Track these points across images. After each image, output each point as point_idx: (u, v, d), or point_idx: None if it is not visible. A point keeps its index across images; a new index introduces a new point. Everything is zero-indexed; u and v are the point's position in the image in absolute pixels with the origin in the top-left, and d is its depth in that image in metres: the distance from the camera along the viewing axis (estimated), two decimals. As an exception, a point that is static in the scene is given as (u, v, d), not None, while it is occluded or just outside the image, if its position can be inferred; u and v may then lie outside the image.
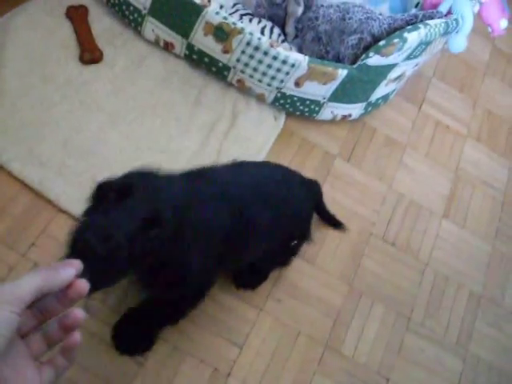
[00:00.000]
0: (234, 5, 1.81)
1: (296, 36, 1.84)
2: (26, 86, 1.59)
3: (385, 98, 1.90)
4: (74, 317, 0.65)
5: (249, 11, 1.81)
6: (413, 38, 1.60)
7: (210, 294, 1.26)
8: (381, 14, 1.76)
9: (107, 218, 0.82)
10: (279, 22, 1.84)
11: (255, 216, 1.16)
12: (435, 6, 1.82)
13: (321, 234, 1.64)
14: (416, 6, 2.06)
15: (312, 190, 1.46)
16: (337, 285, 1.58)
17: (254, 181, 1.25)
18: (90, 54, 1.69)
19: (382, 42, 1.63)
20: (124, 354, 1.29)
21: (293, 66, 1.60)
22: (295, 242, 1.40)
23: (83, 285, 0.65)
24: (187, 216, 0.95)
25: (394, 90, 1.93)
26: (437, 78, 2.20)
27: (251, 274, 1.46)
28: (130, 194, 0.87)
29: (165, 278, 1.01)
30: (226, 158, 1.62)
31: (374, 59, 1.63)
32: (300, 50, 1.82)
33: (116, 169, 1.50)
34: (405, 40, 1.60)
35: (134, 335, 1.30)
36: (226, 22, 1.58)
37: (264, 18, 1.82)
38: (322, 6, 1.80)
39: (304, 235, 1.41)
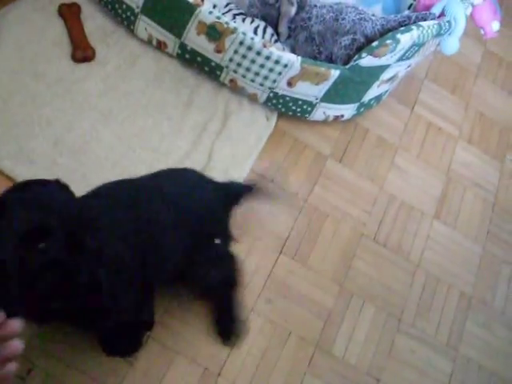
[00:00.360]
0: (227, 4, 1.81)
1: (289, 36, 1.84)
2: (17, 83, 1.58)
3: (377, 98, 1.90)
4: (13, 348, 0.65)
5: (242, 11, 1.81)
6: (406, 39, 1.61)
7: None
8: (374, 15, 1.77)
9: None
10: (272, 21, 1.84)
11: (157, 217, 1.13)
12: (428, 8, 1.82)
13: (313, 234, 1.64)
14: (409, 7, 2.06)
15: (228, 192, 1.40)
16: (328, 285, 1.58)
17: (157, 183, 1.23)
18: (82, 52, 1.69)
19: (374, 43, 1.63)
20: (112, 356, 1.28)
21: (285, 66, 1.60)
22: (218, 240, 1.35)
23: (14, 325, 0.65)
24: (84, 227, 0.86)
25: (387, 91, 1.93)
26: (429, 79, 2.20)
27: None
28: (4, 209, 0.77)
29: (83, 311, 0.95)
30: (218, 158, 1.63)
31: (366, 60, 1.63)
32: (293, 51, 1.82)
33: (107, 168, 1.52)
34: (398, 41, 1.60)
35: (121, 337, 1.28)
36: (219, 21, 1.58)
37: (257, 17, 1.82)
38: (315, 6, 1.80)
39: (223, 234, 1.37)
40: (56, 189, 0.91)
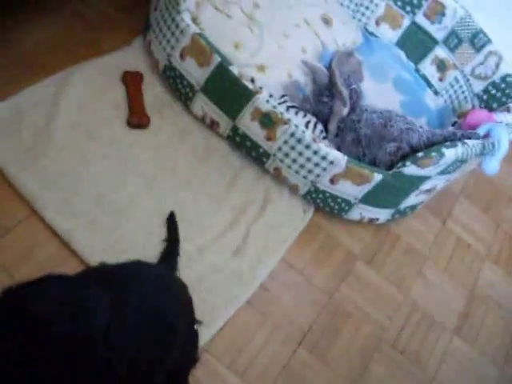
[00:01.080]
0: (282, 96, 1.87)
1: (336, 135, 1.90)
2: (72, 138, 1.63)
3: (413, 207, 1.93)
4: None
5: (295, 104, 1.87)
6: (450, 154, 1.65)
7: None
8: (421, 127, 1.82)
9: None
10: (323, 119, 1.89)
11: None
12: (473, 128, 1.88)
13: (333, 331, 1.63)
14: (453, 124, 2.12)
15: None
16: (342, 385, 1.57)
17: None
18: (137, 118, 1.75)
19: (420, 154, 1.68)
20: None
21: (331, 163, 1.64)
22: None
23: None
24: None
25: (423, 202, 1.96)
26: (464, 196, 2.24)
27: None
28: None
29: None
30: (252, 242, 1.65)
31: (410, 168, 1.67)
32: (338, 149, 1.87)
33: (143, 234, 1.54)
34: (442, 155, 1.64)
35: None
36: (275, 110, 1.64)
37: (309, 112, 1.88)
38: (366, 110, 1.86)
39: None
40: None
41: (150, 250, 1.49)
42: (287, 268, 1.70)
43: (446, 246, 2.04)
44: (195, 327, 1.30)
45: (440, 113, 2.35)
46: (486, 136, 1.82)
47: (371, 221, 1.88)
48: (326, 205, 1.81)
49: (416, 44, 2.46)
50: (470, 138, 1.76)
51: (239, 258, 1.60)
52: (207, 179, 1.75)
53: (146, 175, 1.67)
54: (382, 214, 1.86)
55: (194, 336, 1.30)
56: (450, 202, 2.19)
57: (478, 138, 1.78)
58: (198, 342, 1.31)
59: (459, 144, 1.68)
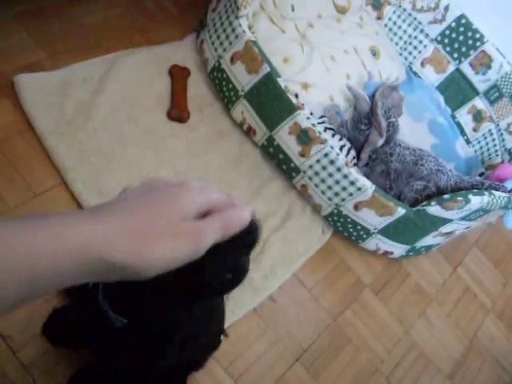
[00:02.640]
0: (321, 117, 1.90)
1: (367, 164, 1.92)
2: (112, 119, 1.66)
3: (428, 248, 1.95)
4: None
5: (333, 127, 1.90)
6: (476, 201, 1.66)
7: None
8: (451, 171, 1.85)
9: None
10: (357, 146, 1.92)
11: None
12: (501, 181, 1.90)
13: (331, 354, 1.65)
14: (480, 175, 2.15)
15: None
16: (331, 409, 1.58)
17: None
18: (178, 112, 1.77)
19: (446, 196, 1.69)
20: None
21: (359, 189, 1.67)
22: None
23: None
24: None
25: (439, 244, 1.98)
26: (478, 246, 2.26)
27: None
28: None
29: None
30: (268, 253, 1.67)
31: (434, 208, 1.69)
32: (366, 178, 1.89)
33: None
34: (468, 201, 1.65)
35: None
36: (314, 129, 1.66)
37: (345, 137, 1.91)
38: (400, 145, 1.89)
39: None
40: None
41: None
42: (297, 284, 1.71)
43: (453, 291, 2.05)
44: (221, 337, 1.32)
45: (468, 162, 2.37)
46: (513, 191, 1.85)
47: (385, 253, 1.89)
48: (345, 229, 1.83)
49: (456, 91, 2.49)
50: (497, 190, 1.78)
51: (254, 266, 1.62)
52: (235, 183, 1.77)
53: (177, 168, 1.69)
54: (398, 249, 1.87)
55: (215, 342, 1.31)
56: (464, 250, 2.21)
57: (504, 191, 1.80)
58: (214, 351, 1.33)
59: (486, 193, 1.70)
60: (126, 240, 0.51)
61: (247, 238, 0.67)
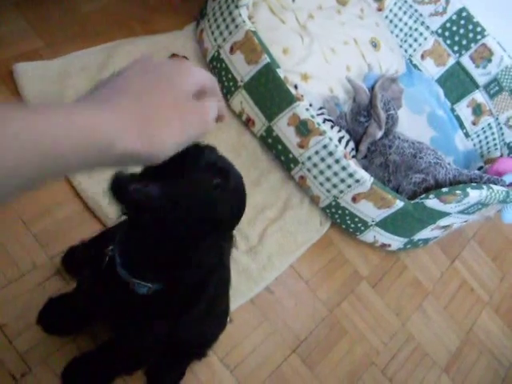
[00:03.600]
0: (320, 108, 1.90)
1: (365, 156, 1.92)
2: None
3: (425, 241, 1.95)
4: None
5: (332, 119, 1.89)
6: (474, 195, 1.66)
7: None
8: (449, 164, 1.84)
9: None
10: (355, 138, 1.92)
11: None
12: (500, 175, 1.90)
13: (328, 345, 1.65)
14: (479, 169, 2.14)
15: None
16: (327, 400, 1.58)
17: None
18: (176, 102, 1.76)
19: (444, 189, 1.69)
20: None
21: (357, 181, 1.66)
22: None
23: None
24: None
25: (436, 238, 1.97)
26: (475, 240, 2.26)
27: (167, 372, 1.36)
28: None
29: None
30: (266, 242, 1.66)
31: (432, 201, 1.68)
32: (364, 170, 1.89)
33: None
34: (466, 194, 1.65)
35: (83, 380, 1.24)
36: (312, 120, 1.66)
37: (344, 129, 1.90)
38: (399, 138, 1.88)
39: None
40: None
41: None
42: (295, 275, 1.71)
43: (450, 285, 2.06)
44: (228, 319, 1.32)
45: (467, 156, 2.37)
46: (511, 185, 1.84)
47: (383, 246, 1.89)
48: (343, 221, 1.82)
49: (456, 84, 2.49)
50: (495, 184, 1.78)
51: (251, 257, 1.62)
52: (233, 173, 1.76)
53: (175, 158, 1.68)
54: (395, 242, 1.87)
55: (223, 323, 1.31)
56: (461, 244, 2.21)
57: (503, 185, 1.80)
58: (217, 337, 1.33)
59: (485, 187, 1.69)
60: (137, 128, 0.51)
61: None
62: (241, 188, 0.83)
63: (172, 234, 0.78)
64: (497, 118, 2.39)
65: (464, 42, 2.41)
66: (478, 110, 2.46)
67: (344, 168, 1.66)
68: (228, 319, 1.32)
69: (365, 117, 1.89)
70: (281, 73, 1.69)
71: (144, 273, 0.87)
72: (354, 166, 1.66)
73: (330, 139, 1.65)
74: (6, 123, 0.42)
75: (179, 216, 0.75)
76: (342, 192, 1.72)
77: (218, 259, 0.88)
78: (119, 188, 0.72)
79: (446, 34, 2.45)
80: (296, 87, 1.75)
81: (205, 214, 0.77)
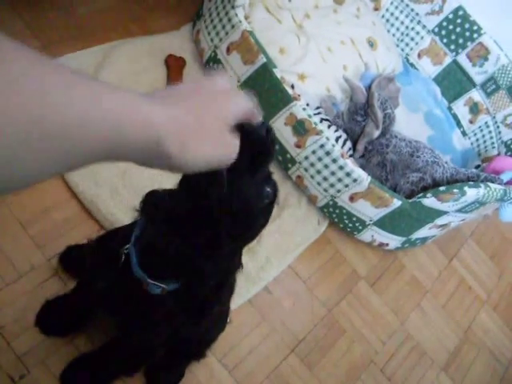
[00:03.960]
0: (317, 108, 1.89)
1: (362, 155, 1.92)
2: (107, 110, 1.65)
3: (423, 240, 1.95)
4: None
5: (329, 118, 1.89)
6: (471, 193, 1.66)
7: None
8: (447, 163, 1.84)
9: None
10: (353, 137, 1.92)
11: None
12: (497, 174, 1.89)
13: (326, 345, 1.65)
14: (476, 167, 2.15)
15: None
16: (325, 400, 1.58)
17: None
18: (174, 102, 1.76)
19: (442, 188, 1.69)
20: None
21: (355, 180, 1.66)
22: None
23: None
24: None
25: (434, 236, 1.98)
26: (473, 239, 2.26)
27: (168, 371, 1.35)
28: None
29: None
30: (264, 243, 1.66)
31: (430, 200, 1.68)
32: (362, 169, 1.89)
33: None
34: (464, 193, 1.65)
35: (82, 382, 1.23)
36: (309, 119, 1.66)
37: (341, 128, 1.90)
38: (396, 137, 1.88)
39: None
40: None
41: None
42: (293, 275, 1.71)
43: (448, 283, 2.06)
44: (228, 320, 1.32)
45: (464, 154, 2.37)
46: (509, 183, 1.84)
47: (381, 245, 1.89)
48: (340, 221, 1.82)
49: (453, 83, 2.49)
50: (492, 182, 1.78)
51: (249, 257, 1.62)
52: (230, 174, 1.76)
53: (172, 158, 1.68)
54: (393, 241, 1.87)
55: (222, 324, 1.31)
56: (459, 242, 2.21)
57: (500, 184, 1.80)
58: (217, 338, 1.33)
59: (482, 185, 1.69)
60: (180, 131, 0.53)
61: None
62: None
63: (203, 241, 0.79)
64: (494, 117, 2.39)
65: (461, 41, 2.41)
66: (475, 109, 2.46)
67: (341, 167, 1.66)
68: (228, 320, 1.32)
69: (362, 116, 1.89)
70: (277, 73, 1.69)
71: (161, 274, 0.87)
72: (351, 165, 1.66)
73: (327, 139, 1.65)
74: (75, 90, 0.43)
75: (226, 223, 0.75)
76: (339, 191, 1.72)
77: (238, 263, 0.90)
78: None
79: (443, 32, 2.44)
80: (293, 87, 1.75)
81: (249, 220, 0.78)
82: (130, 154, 0.50)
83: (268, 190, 0.76)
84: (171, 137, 0.51)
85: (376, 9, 2.52)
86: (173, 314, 0.96)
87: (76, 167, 0.48)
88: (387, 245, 1.89)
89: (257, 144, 0.65)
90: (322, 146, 1.66)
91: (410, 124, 2.22)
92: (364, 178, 1.66)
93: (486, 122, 2.42)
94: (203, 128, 0.56)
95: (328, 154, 1.66)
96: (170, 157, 0.52)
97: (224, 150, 0.59)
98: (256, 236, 0.86)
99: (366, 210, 1.74)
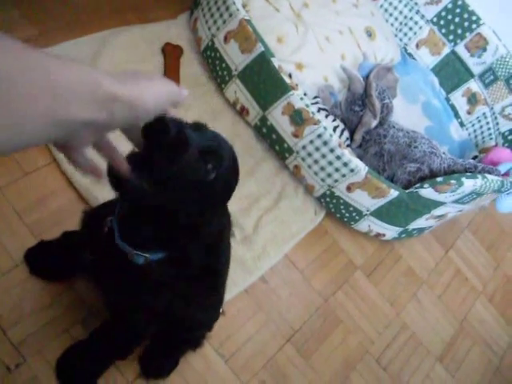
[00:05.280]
0: (315, 97, 1.89)
1: (360, 145, 1.91)
2: (104, 98, 1.64)
3: (420, 230, 1.95)
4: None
5: (326, 108, 1.88)
6: (469, 184, 1.65)
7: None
8: (444, 153, 1.84)
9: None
10: (350, 127, 1.91)
11: None
12: (494, 165, 1.89)
13: (322, 335, 1.65)
14: (473, 158, 2.14)
15: None
16: (322, 389, 1.58)
17: None
18: (171, 91, 1.75)
19: (439, 178, 1.68)
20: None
21: (352, 170, 1.66)
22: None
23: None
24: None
25: (431, 227, 1.97)
26: (470, 230, 2.26)
27: (162, 359, 1.35)
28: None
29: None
30: (260, 232, 1.66)
31: (427, 191, 1.68)
32: (359, 159, 1.88)
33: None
34: (461, 184, 1.64)
35: (77, 368, 1.23)
36: (307, 109, 1.65)
37: (338, 118, 1.89)
38: (394, 127, 1.88)
39: None
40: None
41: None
42: (289, 265, 1.71)
43: (444, 274, 2.06)
44: (221, 310, 1.31)
45: (462, 145, 2.37)
46: (506, 174, 1.84)
47: (377, 235, 1.89)
48: (337, 211, 1.82)
49: (451, 73, 2.49)
50: (490, 173, 1.77)
51: (246, 246, 1.62)
52: (227, 163, 1.76)
53: (169, 147, 1.67)
54: (390, 231, 1.87)
55: (213, 312, 1.29)
56: (456, 233, 2.21)
57: (498, 175, 1.79)
58: (211, 326, 1.32)
59: (479, 176, 1.69)
60: (120, 79, 0.55)
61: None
62: (234, 163, 0.84)
63: (170, 216, 0.80)
64: (492, 108, 2.38)
65: (459, 31, 2.40)
66: (473, 100, 2.45)
67: (338, 157, 1.66)
68: (221, 310, 1.31)
69: (359, 106, 1.88)
70: (275, 62, 1.68)
71: (143, 246, 0.88)
72: (348, 155, 1.65)
73: (325, 128, 1.65)
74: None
75: (176, 205, 0.78)
76: (336, 181, 1.72)
77: (219, 231, 0.91)
78: (114, 178, 0.73)
79: (441, 22, 2.44)
80: (290, 76, 1.75)
81: (201, 198, 0.79)
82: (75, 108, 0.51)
83: (209, 165, 0.77)
84: (112, 80, 0.53)
85: (374, -2, 2.51)
86: (160, 285, 0.96)
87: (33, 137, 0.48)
88: (384, 235, 1.89)
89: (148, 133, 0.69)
90: (319, 135, 1.66)
91: (407, 114, 2.22)
92: (361, 168, 1.66)
93: (483, 113, 2.42)
94: (145, 77, 0.60)
95: (325, 143, 1.66)
96: (118, 96, 0.54)
97: (166, 87, 0.65)
98: (226, 198, 0.89)
99: (363, 200, 1.74)
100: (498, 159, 1.96)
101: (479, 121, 2.43)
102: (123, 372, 1.29)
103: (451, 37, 2.43)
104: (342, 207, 1.80)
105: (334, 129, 1.83)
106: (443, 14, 2.42)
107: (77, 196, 1.47)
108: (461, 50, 2.43)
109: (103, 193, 1.47)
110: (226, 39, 1.77)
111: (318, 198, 1.84)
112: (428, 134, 2.13)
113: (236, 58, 1.76)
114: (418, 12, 2.48)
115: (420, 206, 1.75)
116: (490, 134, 2.37)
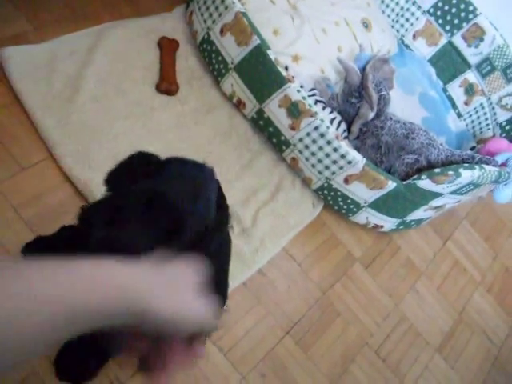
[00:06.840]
0: (312, 89, 1.89)
1: (357, 137, 1.91)
2: (100, 91, 1.64)
3: (418, 222, 1.95)
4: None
5: (323, 100, 1.88)
6: (466, 175, 1.65)
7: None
8: (442, 145, 1.84)
9: None
10: (347, 119, 1.91)
11: None
12: (492, 155, 1.89)
13: (321, 327, 1.65)
14: (471, 149, 2.14)
15: None
16: (320, 380, 1.58)
17: None
18: (167, 84, 1.75)
19: (436, 170, 1.68)
20: (63, 381, 1.21)
21: (349, 162, 1.66)
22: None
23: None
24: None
25: (429, 218, 1.97)
26: (468, 220, 2.26)
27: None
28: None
29: None
30: (258, 225, 1.66)
31: (424, 182, 1.68)
32: (356, 151, 1.88)
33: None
34: (459, 175, 1.64)
35: (76, 362, 1.20)
36: (304, 101, 1.65)
37: (335, 110, 1.89)
38: (391, 118, 1.87)
39: None
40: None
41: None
42: (287, 258, 1.71)
43: (442, 265, 2.06)
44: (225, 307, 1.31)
45: (459, 136, 2.37)
46: (504, 165, 1.84)
47: (375, 227, 1.89)
48: (335, 203, 1.82)
49: (448, 64, 2.48)
50: (487, 164, 1.77)
51: (244, 239, 1.62)
52: (224, 156, 1.76)
53: (166, 140, 1.67)
54: (388, 223, 1.87)
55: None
56: (454, 224, 2.21)
57: (495, 165, 1.79)
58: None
59: (477, 167, 1.69)
60: (162, 288, 0.53)
61: None
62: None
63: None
64: (489, 98, 2.38)
65: (456, 22, 2.39)
66: (470, 90, 2.45)
67: (336, 149, 1.65)
68: (225, 306, 1.31)
69: (356, 98, 1.88)
70: (271, 54, 1.67)
71: None
72: (345, 147, 1.65)
73: (322, 120, 1.64)
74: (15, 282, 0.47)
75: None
76: (334, 173, 1.71)
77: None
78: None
79: (438, 13, 2.43)
80: (287, 68, 1.74)
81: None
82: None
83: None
84: (154, 292, 0.52)
85: (371, -11, 2.50)
86: None
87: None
88: (382, 227, 1.89)
89: None
90: (316, 127, 1.65)
91: (404, 105, 2.22)
92: (359, 159, 1.66)
93: (481, 104, 2.41)
94: (179, 285, 0.57)
95: (322, 135, 1.65)
96: (158, 311, 0.52)
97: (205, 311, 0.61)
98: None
99: (360, 192, 1.74)
100: (495, 150, 1.96)
101: (476, 111, 2.43)
102: (123, 367, 1.29)
103: (448, 27, 2.42)
104: (339, 199, 1.79)
105: (331, 121, 1.83)
106: (440, 4, 2.41)
107: (74, 191, 1.47)
108: (458, 40, 2.42)
109: (100, 188, 1.47)
110: (222, 32, 1.77)
111: (315, 191, 1.83)
112: (425, 125, 2.13)
113: (232, 50, 1.75)
114: (414, 3, 2.47)
115: (418, 197, 1.75)
116: (488, 125, 2.37)
